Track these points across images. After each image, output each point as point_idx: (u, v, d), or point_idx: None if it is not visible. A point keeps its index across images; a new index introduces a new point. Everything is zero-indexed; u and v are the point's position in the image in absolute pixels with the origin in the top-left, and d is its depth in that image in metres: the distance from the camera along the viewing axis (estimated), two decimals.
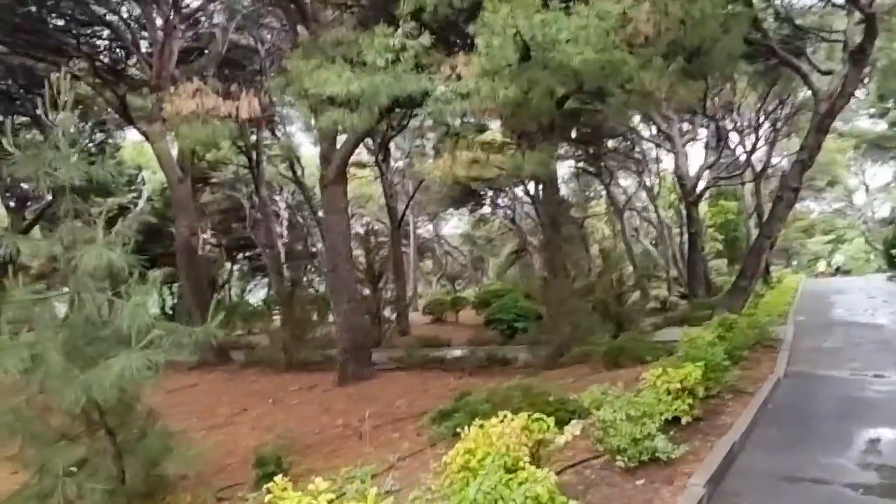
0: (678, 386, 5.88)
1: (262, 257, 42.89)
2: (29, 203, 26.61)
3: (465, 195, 44.78)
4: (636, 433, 4.83)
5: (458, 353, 14.33)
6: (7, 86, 21.76)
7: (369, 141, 23.93)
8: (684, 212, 31.65)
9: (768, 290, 25.84)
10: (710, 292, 25.64)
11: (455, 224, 68.66)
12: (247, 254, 45.30)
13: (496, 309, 19.18)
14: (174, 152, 17.90)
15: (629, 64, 7.64)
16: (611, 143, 39.07)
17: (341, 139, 13.56)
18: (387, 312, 21.24)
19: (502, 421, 4.06)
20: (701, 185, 26.60)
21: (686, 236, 28.81)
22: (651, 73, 8.23)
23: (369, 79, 8.48)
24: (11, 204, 26.20)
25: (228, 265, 42.13)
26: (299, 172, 30.90)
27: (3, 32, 18.16)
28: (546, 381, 10.23)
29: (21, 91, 21.65)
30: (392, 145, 34.91)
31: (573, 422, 4.98)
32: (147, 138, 17.56)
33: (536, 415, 4.34)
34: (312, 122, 34.04)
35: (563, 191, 61.67)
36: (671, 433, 5.69)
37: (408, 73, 8.69)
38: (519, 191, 46.32)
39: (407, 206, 26.83)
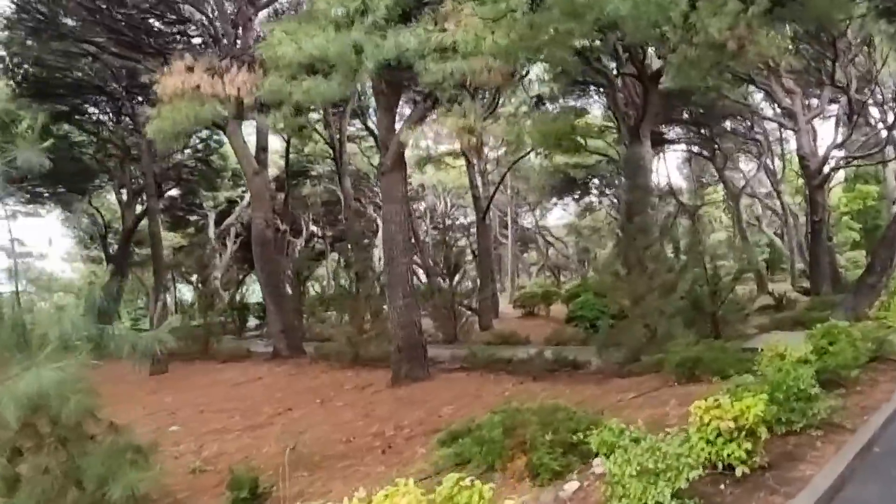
0: (732, 424, 4.43)
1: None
2: (138, 197, 28.20)
3: (567, 184, 42.88)
4: (647, 497, 3.53)
5: (527, 353, 13.06)
6: (111, 87, 22.94)
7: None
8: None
9: None
10: (837, 288, 22.44)
11: (559, 214, 66.47)
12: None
13: (579, 305, 17.68)
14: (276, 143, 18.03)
15: (679, 5, 6.06)
16: (727, 124, 35.87)
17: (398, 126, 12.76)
18: (470, 306, 20.29)
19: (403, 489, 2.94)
20: (829, 167, 23.21)
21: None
22: (720, 18, 6.49)
23: (343, 36, 7.44)
24: (124, 197, 27.86)
25: (335, 256, 42.78)
26: None
27: (107, 34, 18.94)
28: (603, 395, 8.87)
29: (123, 92, 22.72)
30: (486, 134, 33.92)
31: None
32: (224, 132, 17.71)
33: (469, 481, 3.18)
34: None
35: (676, 177, 58.02)
36: (719, 487, 4.30)
37: (392, 26, 7.59)
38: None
39: (492, 197, 25.69)
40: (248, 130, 24.11)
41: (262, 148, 18.17)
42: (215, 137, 31.82)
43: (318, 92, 8.67)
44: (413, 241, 32.63)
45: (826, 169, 22.80)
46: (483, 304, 21.90)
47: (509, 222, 44.59)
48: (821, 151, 24.92)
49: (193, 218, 41.69)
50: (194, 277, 22.49)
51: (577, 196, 48.57)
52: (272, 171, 35.71)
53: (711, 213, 59.24)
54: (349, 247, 16.18)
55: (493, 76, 9.20)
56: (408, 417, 9.59)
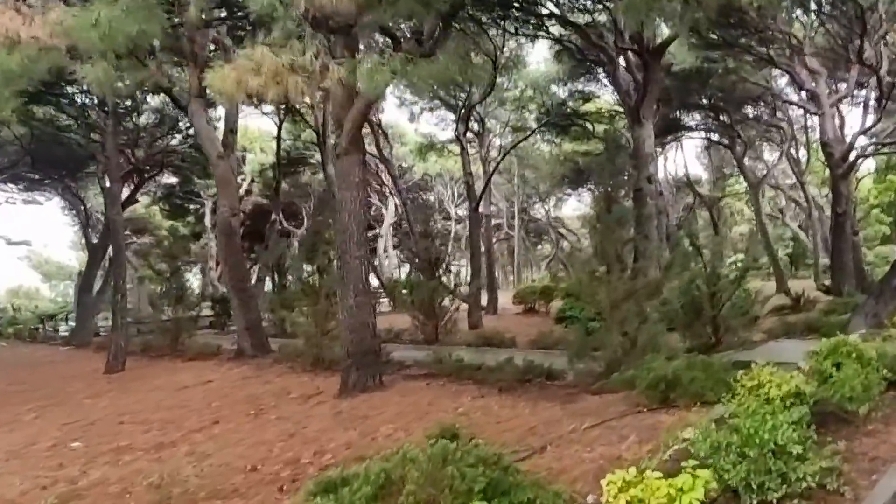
0: None
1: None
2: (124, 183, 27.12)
3: (579, 173, 41.01)
4: None
5: (501, 358, 11.57)
6: None
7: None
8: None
9: None
10: (862, 287, 20.58)
11: (575, 205, 64.56)
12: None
13: (569, 304, 16.13)
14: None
15: None
16: (748, 110, 33.78)
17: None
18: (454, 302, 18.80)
19: None
20: (855, 154, 21.22)
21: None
22: None
23: None
24: (106, 183, 26.79)
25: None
26: (387, 150, 29.28)
27: None
28: (563, 418, 7.39)
29: None
30: (489, 119, 32.34)
31: None
32: (186, 112, 16.44)
33: None
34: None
35: (695, 167, 55.77)
36: None
37: None
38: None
39: (486, 185, 24.12)
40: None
41: (231, 130, 16.85)
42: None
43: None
44: (410, 233, 31.33)
45: (852, 156, 20.83)
46: (473, 301, 20.43)
47: (516, 213, 42.90)
48: (848, 139, 22.98)
49: (193, 206, 40.78)
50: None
51: (591, 186, 46.63)
52: (270, 158, 34.77)
53: (733, 205, 56.91)
54: (313, 238, 14.76)
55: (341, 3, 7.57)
56: (337, 439, 8.20)
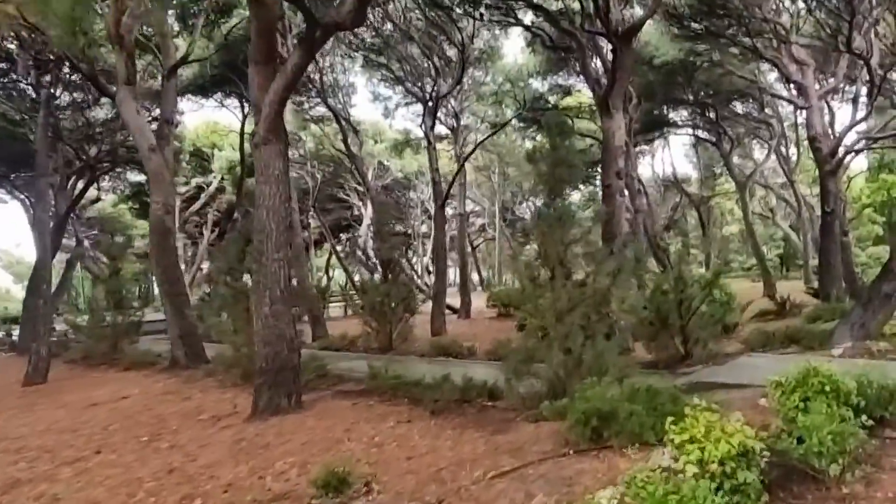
0: None
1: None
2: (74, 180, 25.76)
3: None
4: None
5: (449, 372, 10.25)
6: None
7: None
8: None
9: None
10: (852, 291, 19.38)
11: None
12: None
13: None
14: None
15: None
16: (737, 106, 32.58)
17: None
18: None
19: None
20: (844, 150, 19.94)
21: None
22: None
23: None
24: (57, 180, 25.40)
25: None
26: (356, 146, 27.88)
27: None
28: (483, 456, 6.08)
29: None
30: (466, 115, 31.04)
31: None
32: (113, 100, 15.07)
33: None
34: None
35: (685, 165, 54.46)
36: None
37: None
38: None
39: (453, 180, 22.77)
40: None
41: (167, 120, 15.49)
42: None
43: None
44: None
45: (841, 152, 19.56)
46: (436, 305, 19.11)
47: (497, 211, 41.60)
48: (834, 132, 21.80)
49: None
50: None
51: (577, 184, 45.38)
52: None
53: (723, 205, 55.68)
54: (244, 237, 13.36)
55: None
56: (221, 476, 6.88)
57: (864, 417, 4.68)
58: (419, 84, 22.60)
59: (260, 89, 10.01)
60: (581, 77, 27.86)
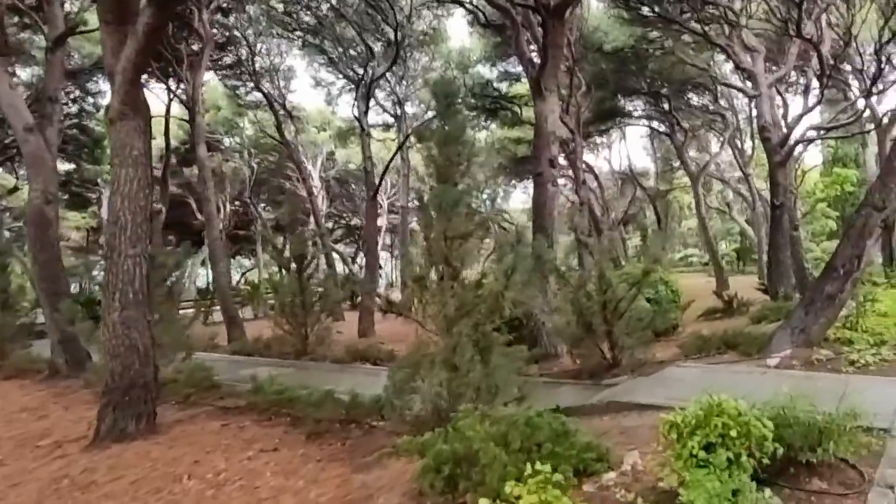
0: None
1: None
2: None
3: (518, 163, 38.50)
4: None
5: (357, 381, 8.90)
6: None
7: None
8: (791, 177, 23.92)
9: (888, 287, 18.31)
10: (802, 287, 18.57)
11: (524, 198, 62.43)
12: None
13: None
14: None
15: None
16: (692, 97, 31.85)
17: None
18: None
19: None
20: (794, 140, 19.08)
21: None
22: None
23: None
24: None
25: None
26: (290, 133, 26.26)
27: None
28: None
29: None
30: (412, 102, 29.63)
31: None
32: None
33: None
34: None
35: (644, 158, 54.05)
36: None
37: None
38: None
39: (385, 170, 21.37)
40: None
41: (50, 98, 13.71)
42: (90, 100, 27.37)
43: None
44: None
45: (791, 143, 18.71)
46: (364, 303, 17.73)
47: None
48: (783, 122, 21.04)
49: (95, 196, 37.03)
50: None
51: (525, 177, 44.25)
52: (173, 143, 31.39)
53: (681, 199, 55.30)
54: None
55: None
56: None
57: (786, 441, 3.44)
58: (352, 67, 21.11)
59: (113, 55, 8.46)
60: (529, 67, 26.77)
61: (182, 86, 19.94)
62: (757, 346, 9.56)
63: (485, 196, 48.23)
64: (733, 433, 3.57)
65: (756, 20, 20.40)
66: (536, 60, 13.99)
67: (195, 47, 19.55)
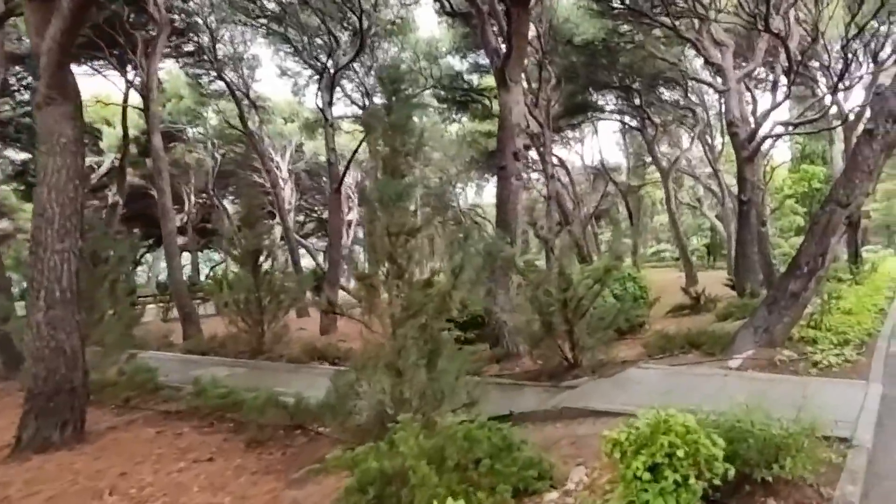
0: None
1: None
2: None
3: (490, 157, 38.13)
4: None
5: (311, 384, 8.44)
6: None
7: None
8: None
9: (852, 284, 18.38)
10: (769, 283, 18.50)
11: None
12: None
13: None
14: None
15: None
16: (664, 92, 31.77)
17: None
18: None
19: None
20: (762, 136, 18.99)
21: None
22: None
23: None
24: None
25: None
26: (255, 124, 25.53)
27: None
28: None
29: None
30: (378, 94, 28.96)
31: None
32: None
33: None
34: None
35: (617, 154, 53.97)
36: None
37: None
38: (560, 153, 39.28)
39: (349, 163, 20.82)
40: None
41: None
42: None
43: None
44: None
45: (759, 138, 18.60)
46: (326, 300, 17.16)
47: (418, 197, 39.73)
48: (752, 117, 20.98)
49: None
50: None
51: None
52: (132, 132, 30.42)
53: (654, 194, 55.52)
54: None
55: None
56: None
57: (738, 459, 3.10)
58: (316, 56, 20.50)
59: (37, 34, 7.86)
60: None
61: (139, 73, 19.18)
62: (720, 346, 9.32)
63: (458, 190, 47.94)
64: (680, 453, 3.22)
65: (726, 14, 20.30)
66: (503, 50, 13.57)
67: (154, 33, 18.77)
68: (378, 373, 5.99)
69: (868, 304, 13.01)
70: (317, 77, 26.62)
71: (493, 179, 53.15)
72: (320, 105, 19.97)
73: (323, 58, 20.43)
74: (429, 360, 5.99)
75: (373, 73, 26.82)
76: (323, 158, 41.85)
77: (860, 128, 22.59)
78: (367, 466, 4.09)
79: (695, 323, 15.12)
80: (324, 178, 45.98)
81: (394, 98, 6.28)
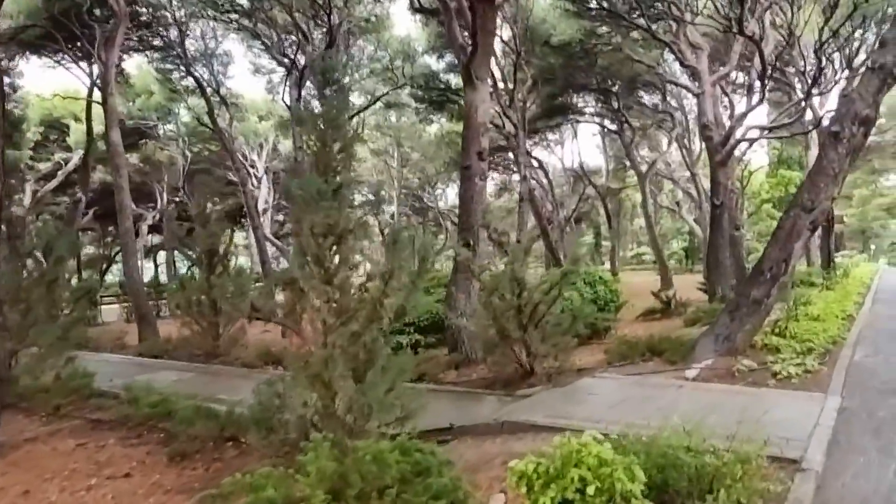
0: None
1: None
2: None
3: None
4: None
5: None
6: None
7: None
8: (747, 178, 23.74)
9: (823, 289, 18.22)
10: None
11: None
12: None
13: None
14: None
15: None
16: (643, 96, 31.61)
17: None
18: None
19: None
20: (735, 139, 18.76)
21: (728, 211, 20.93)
22: None
23: None
24: None
25: None
26: (225, 120, 24.92)
27: None
28: None
29: None
30: (357, 92, 28.52)
31: None
32: None
33: None
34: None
35: (598, 157, 53.91)
36: None
37: None
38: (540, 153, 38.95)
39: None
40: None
41: None
42: (6, 80, 25.42)
43: None
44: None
45: (732, 142, 18.39)
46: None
47: (395, 197, 39.38)
48: (727, 121, 20.79)
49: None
50: None
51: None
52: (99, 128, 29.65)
53: (634, 197, 55.50)
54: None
55: None
56: None
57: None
58: (286, 52, 20.00)
59: None
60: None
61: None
62: (682, 353, 9.00)
63: (438, 192, 47.49)
64: (591, 490, 2.82)
65: (702, 17, 20.13)
66: (461, 45, 13.20)
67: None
68: (303, 384, 5.55)
69: (836, 311, 12.79)
70: (289, 74, 26.16)
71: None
72: (286, 103, 19.44)
73: (292, 54, 19.88)
74: (358, 371, 5.56)
75: (348, 71, 26.36)
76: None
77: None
78: (264, 495, 3.65)
79: (663, 328, 14.87)
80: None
81: (327, 90, 5.84)
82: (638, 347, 9.73)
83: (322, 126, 5.78)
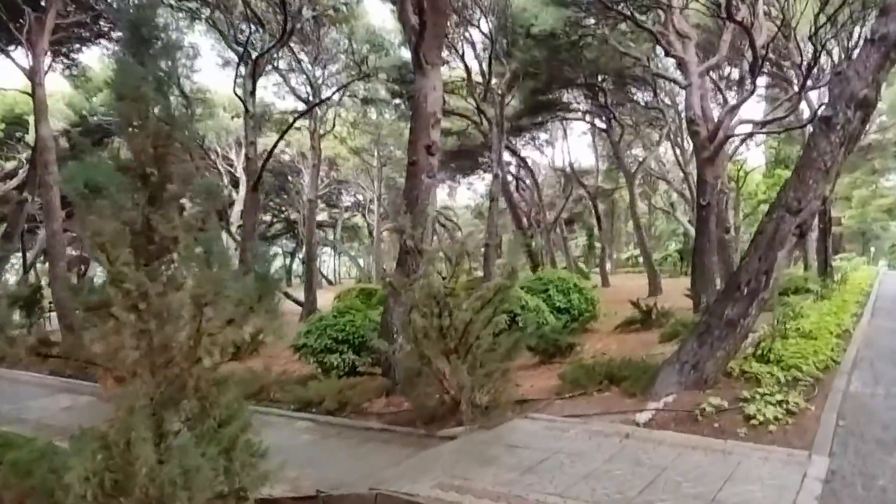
0: None
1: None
2: None
3: (453, 157, 36.15)
4: None
5: None
6: None
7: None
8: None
9: (820, 298, 16.65)
10: None
11: (469, 194, 60.65)
12: None
13: (315, 325, 11.18)
14: None
15: None
16: (633, 92, 30.15)
17: None
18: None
19: None
20: (723, 135, 17.24)
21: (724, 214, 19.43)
22: None
23: None
24: None
25: None
26: (185, 116, 23.40)
27: None
28: None
29: None
30: (330, 87, 27.07)
31: None
32: None
33: None
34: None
35: (591, 156, 52.37)
36: None
37: None
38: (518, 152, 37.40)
39: (267, 159, 18.83)
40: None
41: None
42: None
43: None
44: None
45: (721, 136, 16.87)
46: None
47: (377, 197, 37.90)
48: (715, 115, 19.29)
49: None
50: None
51: (467, 172, 42.09)
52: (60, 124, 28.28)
53: (628, 198, 53.95)
54: None
55: None
56: None
57: None
58: (236, 38, 18.56)
59: None
60: (451, 51, 24.44)
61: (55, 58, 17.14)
62: (644, 384, 7.51)
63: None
64: None
65: (692, 7, 18.75)
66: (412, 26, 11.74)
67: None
68: (87, 450, 4.06)
69: (831, 325, 11.27)
70: (249, 63, 24.71)
71: (465, 180, 51.42)
72: (238, 94, 17.98)
73: (244, 39, 18.41)
74: (164, 433, 4.08)
75: (318, 63, 24.92)
76: (286, 157, 39.94)
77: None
78: None
79: (639, 342, 13.39)
80: (289, 178, 43.86)
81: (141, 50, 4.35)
82: (595, 374, 8.22)
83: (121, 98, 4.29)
